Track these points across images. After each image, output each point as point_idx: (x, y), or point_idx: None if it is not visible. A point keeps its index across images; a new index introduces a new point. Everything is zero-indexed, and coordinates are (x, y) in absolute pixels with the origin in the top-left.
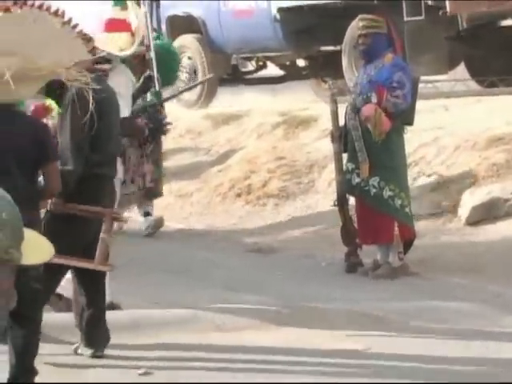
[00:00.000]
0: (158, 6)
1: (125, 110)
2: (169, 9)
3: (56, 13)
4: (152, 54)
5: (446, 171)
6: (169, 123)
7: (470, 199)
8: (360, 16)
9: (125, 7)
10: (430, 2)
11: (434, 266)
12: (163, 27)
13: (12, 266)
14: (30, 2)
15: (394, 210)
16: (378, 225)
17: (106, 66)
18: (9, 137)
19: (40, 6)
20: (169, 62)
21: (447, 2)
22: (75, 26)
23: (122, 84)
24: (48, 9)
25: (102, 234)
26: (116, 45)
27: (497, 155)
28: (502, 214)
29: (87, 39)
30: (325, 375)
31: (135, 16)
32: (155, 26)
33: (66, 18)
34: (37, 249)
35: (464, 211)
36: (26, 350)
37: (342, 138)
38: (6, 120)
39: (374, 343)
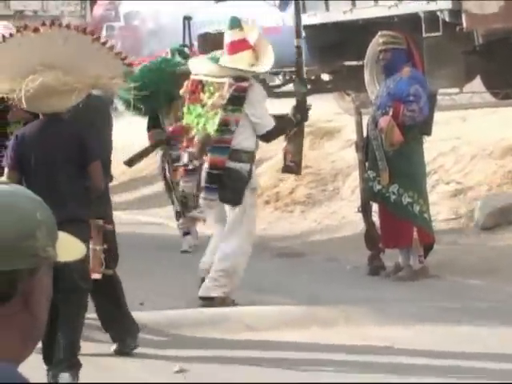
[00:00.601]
0: (189, 24)
1: (271, 121)
2: (201, 27)
3: (84, 31)
4: (300, 42)
5: (463, 179)
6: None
7: (486, 205)
8: (380, 33)
9: (241, 28)
10: (447, 19)
11: (453, 268)
12: (195, 44)
13: (50, 263)
14: (58, 22)
15: (412, 215)
16: (399, 230)
17: (244, 84)
18: (56, 141)
19: (68, 26)
20: None
21: (464, 19)
22: (105, 43)
23: (261, 100)
24: (76, 28)
25: (91, 246)
26: (245, 63)
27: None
28: (509, 219)
29: (119, 53)
30: (350, 371)
31: (255, 33)
32: (187, 42)
33: (95, 36)
34: (70, 247)
35: (480, 217)
36: (72, 340)
37: (364, 147)
38: (53, 126)
39: (397, 341)
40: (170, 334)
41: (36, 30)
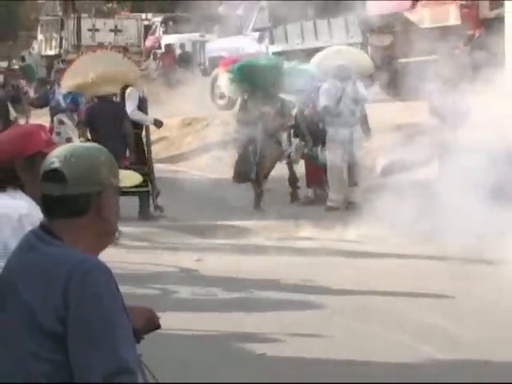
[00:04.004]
0: (203, 51)
1: None
2: (210, 52)
3: (119, 51)
4: None
5: (369, 145)
6: None
7: (381, 162)
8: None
9: None
10: (359, 49)
11: (366, 195)
12: (207, 62)
13: (114, 188)
14: (105, 46)
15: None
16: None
17: None
18: (109, 111)
19: (111, 48)
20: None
21: (369, 49)
22: (125, 56)
23: None
24: (112, 48)
25: None
26: None
27: (397, 138)
28: (397, 169)
29: (135, 62)
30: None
31: None
32: (202, 61)
33: (122, 53)
34: (128, 178)
35: (379, 168)
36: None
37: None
38: (107, 103)
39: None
40: (190, 235)
41: (94, 51)
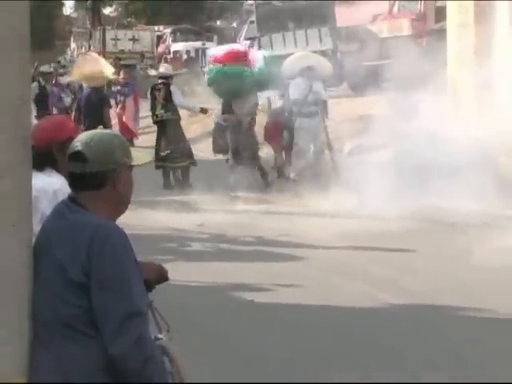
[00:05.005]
0: (205, 56)
1: None
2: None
3: (94, 53)
4: None
5: (335, 133)
6: None
7: (348, 146)
8: None
9: None
10: (330, 54)
11: (334, 171)
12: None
13: (127, 166)
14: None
15: None
16: None
17: None
18: (94, 98)
19: (94, 52)
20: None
21: (338, 54)
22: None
23: None
24: (93, 52)
25: None
26: None
27: (360, 127)
28: (360, 151)
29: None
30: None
31: None
32: (203, 64)
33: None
34: (140, 157)
35: (346, 150)
36: None
37: None
38: (93, 93)
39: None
40: (197, 204)
41: (87, 53)
